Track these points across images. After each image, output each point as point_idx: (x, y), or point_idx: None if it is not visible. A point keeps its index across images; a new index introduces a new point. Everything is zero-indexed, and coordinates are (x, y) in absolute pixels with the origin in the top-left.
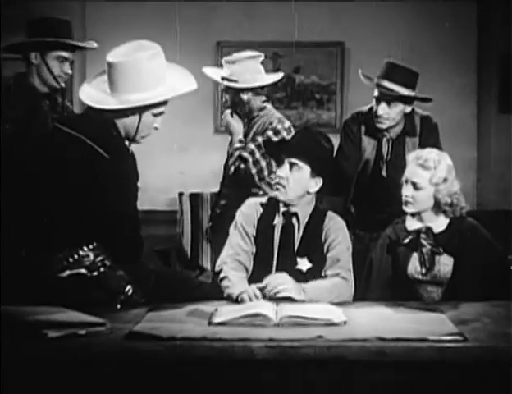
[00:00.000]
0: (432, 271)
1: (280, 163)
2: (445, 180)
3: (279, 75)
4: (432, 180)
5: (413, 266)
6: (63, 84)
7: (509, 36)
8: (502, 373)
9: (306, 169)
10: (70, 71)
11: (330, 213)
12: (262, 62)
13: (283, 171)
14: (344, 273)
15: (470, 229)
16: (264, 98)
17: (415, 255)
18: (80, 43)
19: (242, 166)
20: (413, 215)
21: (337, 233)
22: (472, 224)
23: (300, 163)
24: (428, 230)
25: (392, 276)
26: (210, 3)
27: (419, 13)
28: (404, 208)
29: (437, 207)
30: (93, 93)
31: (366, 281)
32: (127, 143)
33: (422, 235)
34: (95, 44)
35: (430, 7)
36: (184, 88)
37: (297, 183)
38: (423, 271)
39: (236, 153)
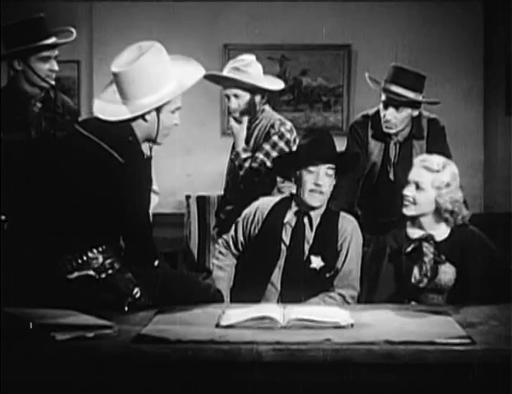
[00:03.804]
0: (434, 280)
1: (290, 175)
2: (447, 185)
3: (273, 78)
4: (434, 182)
5: (415, 274)
6: (53, 82)
7: None
8: (508, 375)
9: (333, 171)
10: (56, 68)
11: (343, 214)
12: None
13: (322, 179)
14: (349, 294)
15: (473, 237)
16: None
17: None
18: (52, 41)
19: (256, 179)
20: (413, 222)
21: (351, 238)
22: (474, 233)
23: (333, 166)
24: (430, 238)
25: (395, 283)
26: (217, 6)
27: (426, 15)
28: (404, 211)
29: (438, 213)
30: (105, 107)
31: (373, 283)
32: (149, 145)
33: (425, 244)
34: (73, 35)
35: (436, 9)
36: (191, 79)
37: (331, 187)
38: (425, 280)
39: (246, 165)
